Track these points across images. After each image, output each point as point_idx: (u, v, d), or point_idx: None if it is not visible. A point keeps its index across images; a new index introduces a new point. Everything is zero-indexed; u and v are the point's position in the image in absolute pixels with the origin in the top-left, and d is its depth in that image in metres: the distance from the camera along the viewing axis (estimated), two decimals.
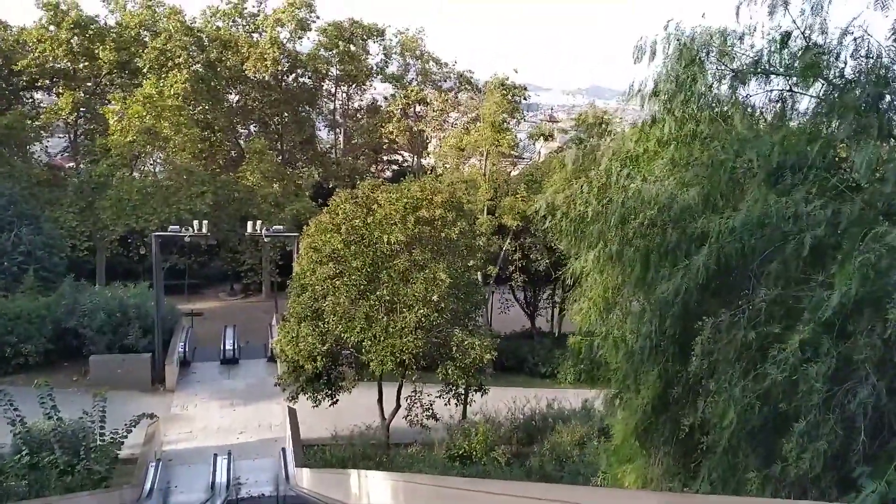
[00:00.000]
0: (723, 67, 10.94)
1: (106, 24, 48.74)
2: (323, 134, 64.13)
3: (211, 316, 46.10)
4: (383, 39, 59.19)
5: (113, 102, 44.69)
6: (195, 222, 31.72)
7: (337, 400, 24.08)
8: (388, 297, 20.93)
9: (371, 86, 62.16)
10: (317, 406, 23.89)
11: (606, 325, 11.46)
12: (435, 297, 20.11)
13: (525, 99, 48.29)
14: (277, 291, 46.62)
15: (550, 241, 38.28)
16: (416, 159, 62.65)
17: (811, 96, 10.53)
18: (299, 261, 24.31)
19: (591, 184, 11.58)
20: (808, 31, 10.12)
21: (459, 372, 21.02)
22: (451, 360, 21.02)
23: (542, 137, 44.40)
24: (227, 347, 35.63)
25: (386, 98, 61.23)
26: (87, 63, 47.16)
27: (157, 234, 33.03)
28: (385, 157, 65.35)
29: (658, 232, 9.60)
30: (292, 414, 24.71)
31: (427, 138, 61.21)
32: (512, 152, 45.96)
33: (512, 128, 45.55)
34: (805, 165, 9.35)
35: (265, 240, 36.33)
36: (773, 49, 10.22)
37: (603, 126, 56.92)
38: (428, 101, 58.57)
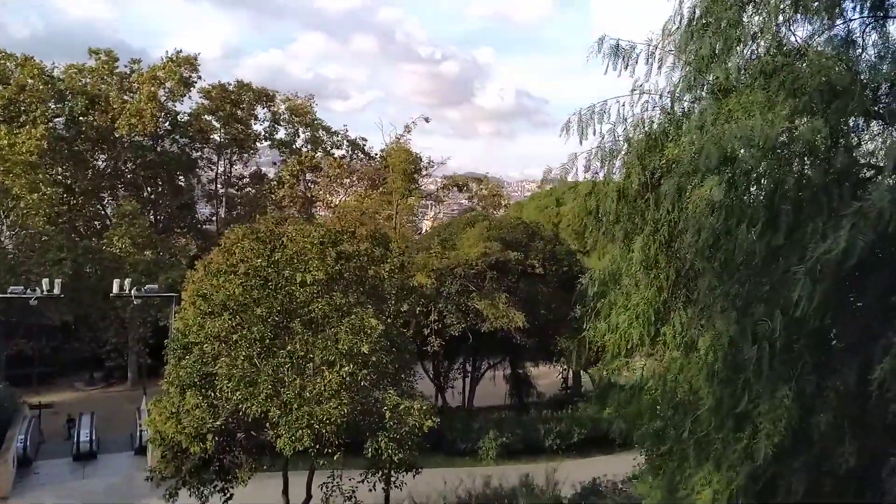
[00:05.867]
0: None
1: None
2: (201, 204, 58.77)
3: (64, 409, 39.33)
4: (272, 104, 55.80)
5: None
6: (45, 281, 25.78)
7: (231, 495, 19.21)
8: (301, 353, 16.58)
9: (256, 153, 58.32)
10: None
11: (664, 344, 8.00)
12: (365, 349, 15.96)
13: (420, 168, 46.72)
14: (147, 378, 40.12)
15: (465, 303, 35.26)
16: None
17: None
18: (182, 314, 19.42)
19: (630, 146, 8.37)
20: None
21: (394, 445, 16.65)
22: (384, 430, 16.68)
23: (456, 187, 42.62)
24: (83, 439, 29.56)
25: (275, 163, 57.48)
26: None
27: None
28: None
29: (782, 170, 6.41)
30: None
31: (318, 208, 57.78)
32: (416, 214, 44.01)
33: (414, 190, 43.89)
34: None
35: (135, 302, 30.50)
36: None
37: (496, 198, 57.93)
38: (321, 167, 55.43)
